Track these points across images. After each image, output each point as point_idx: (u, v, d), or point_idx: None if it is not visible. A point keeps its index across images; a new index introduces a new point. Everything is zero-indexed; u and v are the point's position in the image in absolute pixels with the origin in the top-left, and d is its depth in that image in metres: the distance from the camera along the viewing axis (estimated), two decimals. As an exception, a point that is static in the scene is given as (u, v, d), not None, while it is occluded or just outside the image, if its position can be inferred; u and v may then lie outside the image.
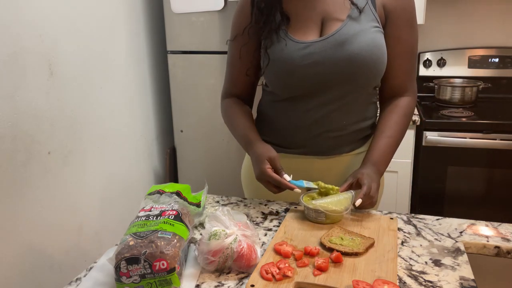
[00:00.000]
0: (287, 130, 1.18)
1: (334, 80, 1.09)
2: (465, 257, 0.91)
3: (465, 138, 2.04)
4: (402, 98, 1.17)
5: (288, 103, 1.16)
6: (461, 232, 1.01)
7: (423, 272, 0.86)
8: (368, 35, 1.07)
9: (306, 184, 1.08)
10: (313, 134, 1.15)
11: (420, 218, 1.08)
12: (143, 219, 0.90)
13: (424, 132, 2.07)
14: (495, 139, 2.02)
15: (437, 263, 0.89)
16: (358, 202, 1.01)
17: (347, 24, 1.08)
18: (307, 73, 1.09)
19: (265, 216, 1.13)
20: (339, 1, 1.10)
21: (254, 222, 1.09)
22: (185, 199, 1.01)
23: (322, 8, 1.11)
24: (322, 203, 1.03)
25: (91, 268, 0.93)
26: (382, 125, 1.15)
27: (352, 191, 1.05)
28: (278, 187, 1.07)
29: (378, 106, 1.24)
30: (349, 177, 1.08)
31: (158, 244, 0.82)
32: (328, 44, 1.07)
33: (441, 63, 2.47)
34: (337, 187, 1.07)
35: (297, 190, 1.05)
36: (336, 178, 1.20)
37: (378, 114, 1.23)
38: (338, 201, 1.03)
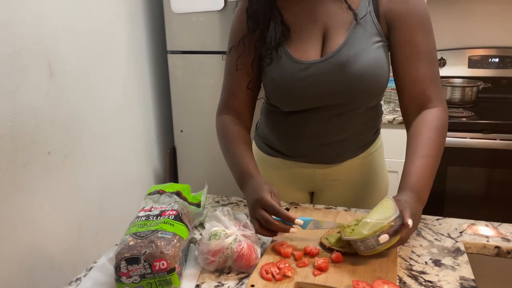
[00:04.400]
0: (288, 139, 1.17)
1: (334, 99, 1.07)
2: (465, 257, 0.91)
3: (465, 138, 2.04)
4: (429, 111, 1.03)
5: (289, 115, 1.14)
6: (461, 232, 1.01)
7: (423, 272, 0.86)
8: (369, 54, 1.03)
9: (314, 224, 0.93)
10: (314, 144, 1.14)
11: (420, 218, 1.08)
12: (143, 219, 0.90)
13: (424, 132, 2.07)
14: (495, 139, 2.02)
15: (437, 263, 0.89)
16: (410, 222, 0.82)
17: (348, 42, 1.04)
18: (307, 93, 1.07)
19: (265, 216, 1.12)
20: (341, 13, 1.07)
21: (254, 222, 1.09)
22: (185, 199, 1.01)
23: (324, 20, 1.07)
24: (377, 221, 0.83)
25: (91, 268, 0.93)
26: (413, 145, 0.99)
27: (389, 196, 0.90)
28: (270, 224, 0.90)
29: (382, 109, 1.21)
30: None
31: (158, 244, 0.82)
32: (328, 65, 1.04)
33: (441, 63, 2.46)
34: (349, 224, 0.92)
35: (293, 230, 0.91)
36: (337, 183, 1.20)
37: (381, 117, 1.21)
38: (383, 210, 0.86)
